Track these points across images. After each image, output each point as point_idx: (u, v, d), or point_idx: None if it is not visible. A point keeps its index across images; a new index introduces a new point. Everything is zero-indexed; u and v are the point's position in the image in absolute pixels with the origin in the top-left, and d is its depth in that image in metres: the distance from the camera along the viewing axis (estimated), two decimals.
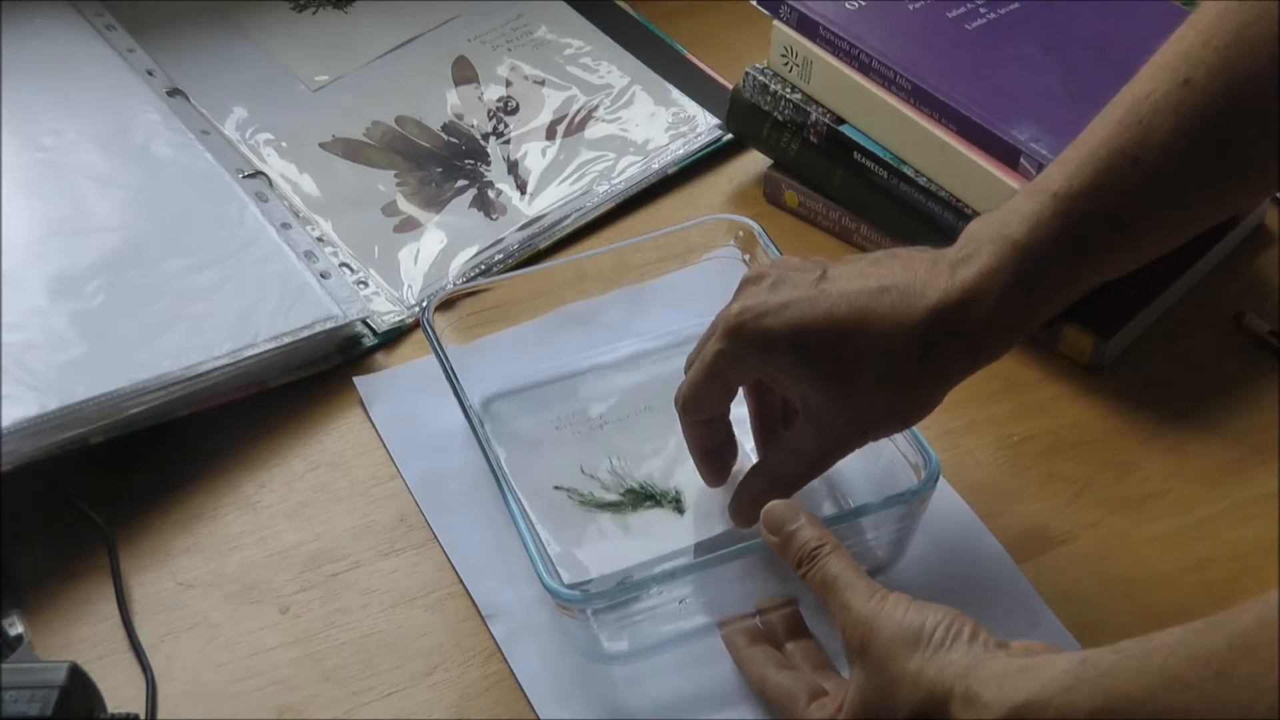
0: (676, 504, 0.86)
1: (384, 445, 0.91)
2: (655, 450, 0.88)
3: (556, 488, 0.86)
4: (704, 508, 0.85)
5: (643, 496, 0.86)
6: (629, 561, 0.82)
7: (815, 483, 0.86)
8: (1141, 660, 0.59)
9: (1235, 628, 0.57)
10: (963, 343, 0.74)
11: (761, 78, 1.03)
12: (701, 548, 0.84)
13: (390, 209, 1.05)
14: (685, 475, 0.85)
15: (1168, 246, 0.77)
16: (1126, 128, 0.72)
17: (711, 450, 0.83)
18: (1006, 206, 0.75)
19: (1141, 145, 0.72)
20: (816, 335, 0.74)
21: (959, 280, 0.73)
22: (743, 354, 0.76)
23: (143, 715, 0.77)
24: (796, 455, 0.79)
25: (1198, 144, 0.71)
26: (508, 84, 1.14)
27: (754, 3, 1.02)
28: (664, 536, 0.84)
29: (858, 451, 0.85)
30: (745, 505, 0.80)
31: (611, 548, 0.84)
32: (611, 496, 0.86)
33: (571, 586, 0.78)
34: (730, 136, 1.09)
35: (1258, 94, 0.70)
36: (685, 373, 0.81)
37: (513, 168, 1.08)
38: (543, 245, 1.03)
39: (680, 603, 0.77)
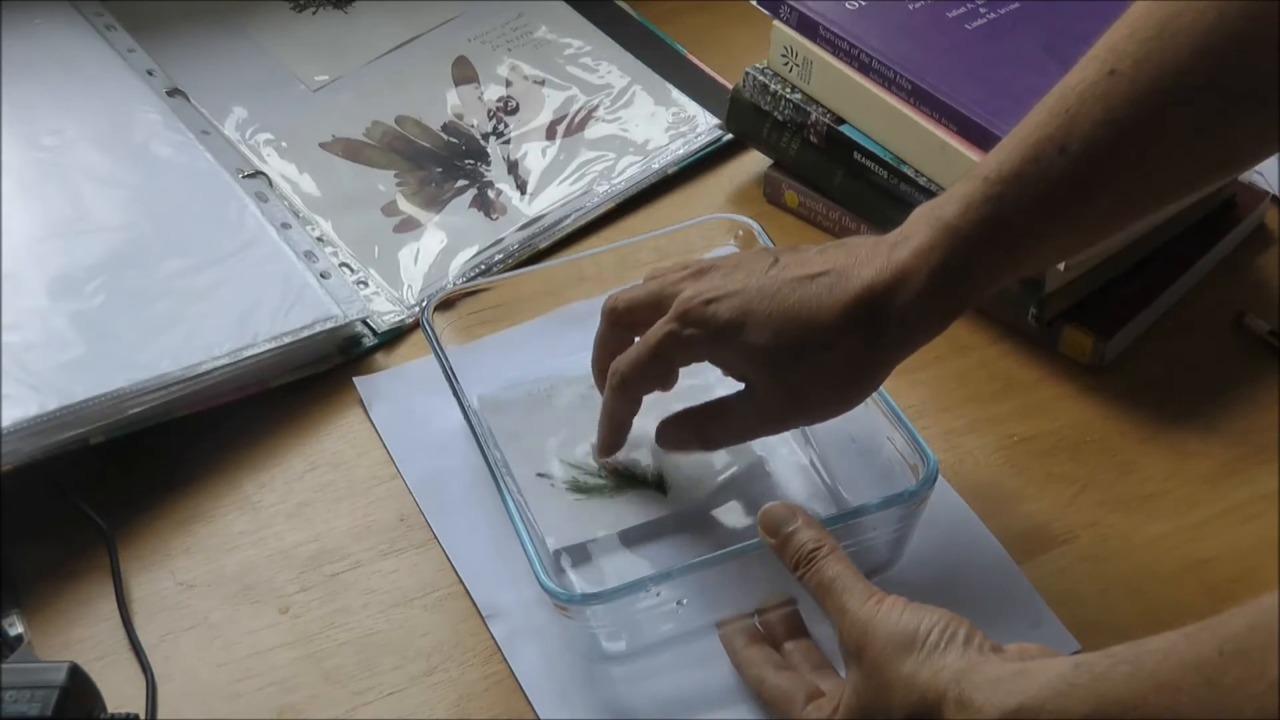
0: (659, 484, 0.86)
1: (384, 445, 0.91)
2: (639, 434, 0.88)
3: (539, 475, 0.86)
4: (685, 487, 0.86)
5: (626, 478, 0.86)
6: (613, 530, 0.84)
7: (814, 483, 0.86)
8: (1134, 665, 0.59)
9: (1226, 632, 0.57)
10: (893, 321, 0.75)
11: (761, 78, 1.03)
12: (686, 527, 0.84)
13: (390, 209, 1.05)
14: (669, 457, 0.86)
15: (1103, 235, 0.80)
16: (1055, 116, 0.74)
17: (624, 423, 0.84)
18: (947, 192, 0.77)
19: (1068, 134, 0.73)
20: (759, 320, 0.77)
21: (893, 260, 0.75)
22: (691, 337, 0.78)
23: (143, 715, 0.77)
24: (727, 419, 0.81)
25: (1123, 134, 0.72)
26: (508, 84, 1.14)
27: (754, 3, 1.02)
28: (645, 505, 0.85)
29: (856, 452, 0.85)
30: (669, 436, 0.83)
31: (595, 520, 0.84)
32: (596, 480, 0.86)
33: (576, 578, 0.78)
34: (730, 136, 1.09)
35: (1182, 86, 0.71)
36: (603, 306, 0.84)
37: (513, 168, 1.08)
38: (543, 245, 1.03)
39: (679, 603, 0.77)
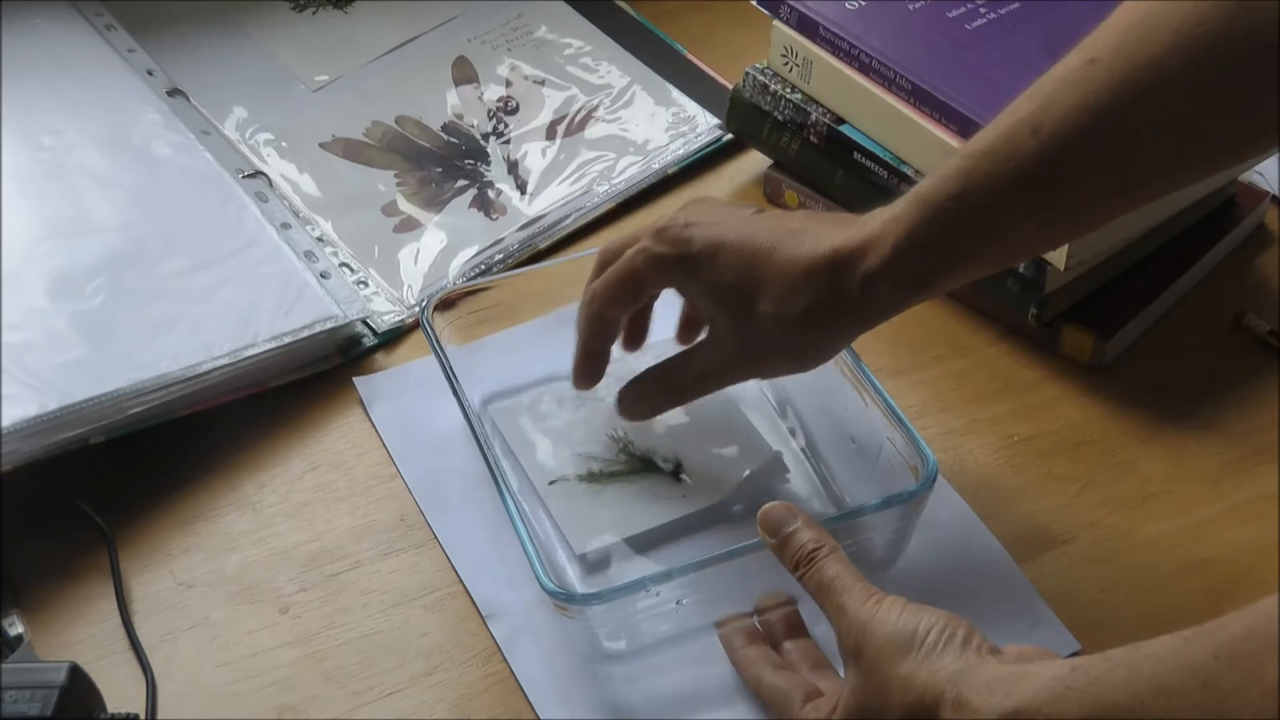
0: (676, 472, 0.86)
1: (384, 445, 0.91)
2: (651, 425, 0.88)
3: (552, 482, 0.86)
4: (702, 474, 0.86)
5: (643, 463, 0.86)
6: (636, 531, 0.84)
7: (812, 482, 0.86)
8: (1130, 669, 0.59)
9: (1222, 638, 0.57)
10: (855, 287, 0.76)
11: (761, 78, 1.03)
12: (706, 527, 0.84)
13: (390, 209, 1.05)
14: (683, 445, 0.86)
15: (1071, 230, 0.80)
16: (1031, 99, 0.74)
17: (596, 352, 0.86)
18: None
19: (1042, 115, 0.73)
20: (729, 255, 0.78)
21: (865, 228, 0.77)
22: (663, 255, 0.80)
23: (143, 715, 0.77)
24: (688, 364, 0.83)
25: (1095, 120, 0.72)
26: (508, 84, 1.14)
27: (754, 3, 1.02)
28: (666, 502, 0.85)
29: (855, 452, 0.85)
30: (629, 397, 0.85)
31: (616, 519, 0.84)
32: (612, 467, 0.86)
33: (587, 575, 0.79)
34: (730, 136, 1.09)
35: (1158, 79, 0.71)
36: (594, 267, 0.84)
37: (513, 168, 1.08)
38: (543, 245, 1.03)
39: (678, 603, 0.77)
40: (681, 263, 0.80)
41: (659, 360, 0.86)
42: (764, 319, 0.78)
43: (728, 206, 0.82)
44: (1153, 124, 0.72)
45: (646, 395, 0.85)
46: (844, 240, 0.76)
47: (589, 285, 0.85)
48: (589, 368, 0.86)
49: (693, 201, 0.83)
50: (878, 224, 0.76)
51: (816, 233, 0.77)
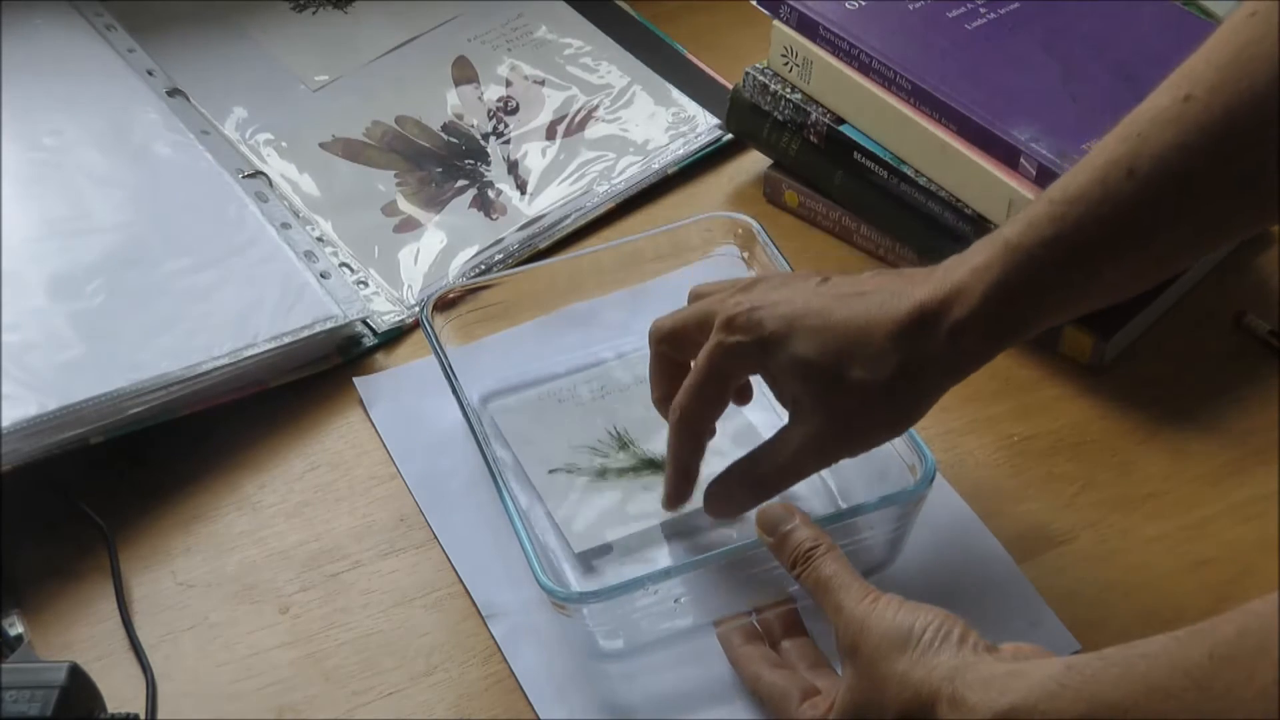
0: None
1: (384, 445, 0.91)
2: (653, 424, 0.88)
3: (551, 471, 0.86)
4: (701, 473, 0.84)
5: (642, 462, 0.86)
6: (633, 529, 0.84)
7: (811, 482, 0.86)
8: (1124, 668, 0.60)
9: (1216, 638, 0.57)
10: (944, 340, 0.74)
11: (761, 78, 1.03)
12: (704, 526, 0.84)
13: (390, 209, 1.05)
14: None
15: (1164, 271, 0.77)
16: (1124, 140, 0.72)
17: (692, 469, 0.82)
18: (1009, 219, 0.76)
19: (1136, 156, 0.71)
20: (805, 330, 0.75)
21: (948, 279, 0.74)
22: (740, 344, 0.77)
23: (143, 715, 0.77)
24: (776, 453, 0.79)
25: (1194, 158, 0.71)
26: (508, 84, 1.14)
27: (754, 3, 1.02)
28: (666, 513, 0.85)
29: None
30: (718, 497, 0.81)
31: (615, 518, 0.85)
32: (612, 463, 0.86)
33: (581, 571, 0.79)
34: (730, 136, 1.09)
35: (1258, 114, 0.70)
36: (649, 332, 0.82)
37: (513, 168, 1.08)
38: (543, 245, 1.03)
39: (676, 601, 0.77)
40: (759, 346, 0.76)
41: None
42: (852, 388, 0.74)
43: (790, 280, 0.79)
44: (1252, 160, 0.70)
45: (733, 494, 0.81)
46: (927, 294, 0.74)
47: (653, 369, 0.82)
48: (684, 488, 0.82)
49: (752, 281, 0.80)
50: (962, 274, 0.74)
51: (893, 291, 0.75)
